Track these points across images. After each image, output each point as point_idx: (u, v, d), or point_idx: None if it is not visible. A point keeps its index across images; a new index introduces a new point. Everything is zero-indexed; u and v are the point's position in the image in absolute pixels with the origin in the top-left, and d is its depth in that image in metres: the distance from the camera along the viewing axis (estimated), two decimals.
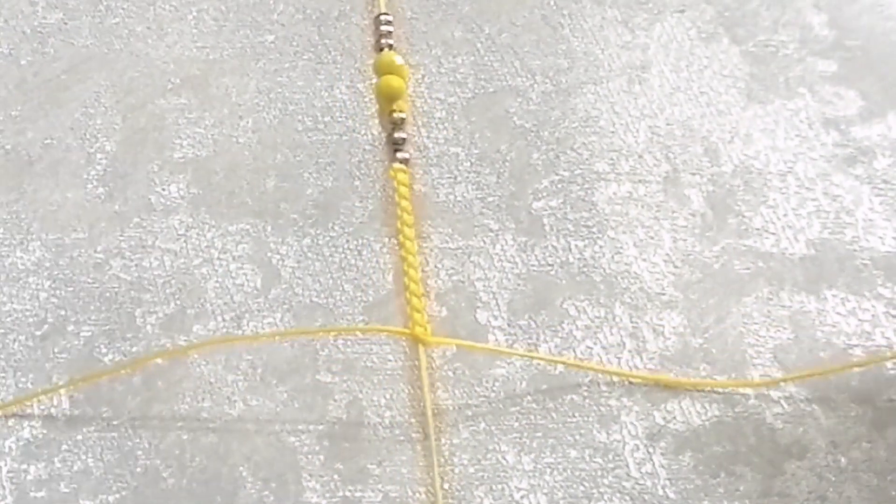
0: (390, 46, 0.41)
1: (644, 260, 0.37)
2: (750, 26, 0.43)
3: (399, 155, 0.39)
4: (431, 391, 0.34)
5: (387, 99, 0.40)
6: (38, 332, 0.36)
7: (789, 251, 0.37)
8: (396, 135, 0.39)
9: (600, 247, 0.37)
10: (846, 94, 0.41)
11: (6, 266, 0.37)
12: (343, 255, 0.37)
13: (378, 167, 0.39)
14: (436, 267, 0.37)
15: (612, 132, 0.40)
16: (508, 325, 0.35)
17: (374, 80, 0.41)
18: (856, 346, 0.35)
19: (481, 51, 0.42)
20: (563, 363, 0.34)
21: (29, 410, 0.34)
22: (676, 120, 0.40)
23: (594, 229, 0.37)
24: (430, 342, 0.35)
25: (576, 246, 0.37)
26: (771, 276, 0.36)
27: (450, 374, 0.35)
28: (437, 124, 0.40)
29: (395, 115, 0.39)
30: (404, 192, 0.38)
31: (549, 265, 0.37)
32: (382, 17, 0.42)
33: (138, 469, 0.33)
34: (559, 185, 0.38)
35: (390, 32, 0.42)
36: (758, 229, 0.37)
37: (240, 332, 0.36)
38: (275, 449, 0.34)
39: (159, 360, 0.35)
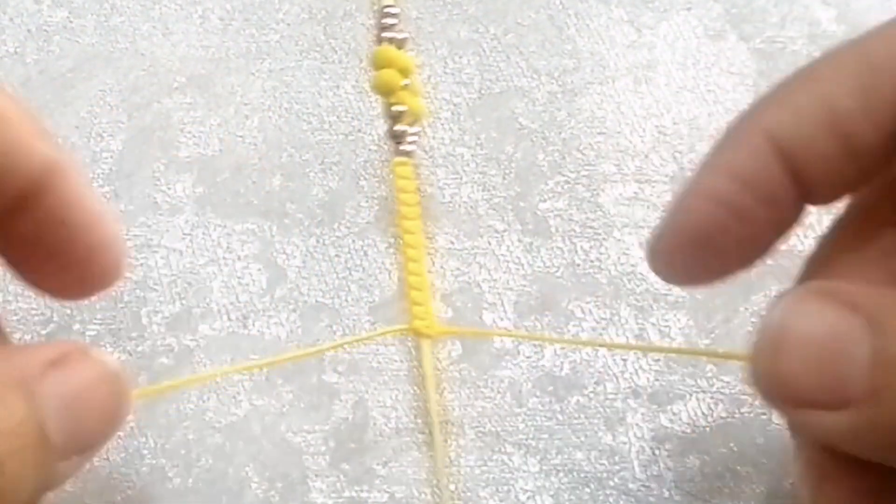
0: (390, 40, 0.41)
1: None
2: (757, 23, 0.43)
3: (401, 148, 0.39)
4: (437, 392, 0.34)
5: (383, 93, 0.40)
6: (44, 331, 0.36)
7: (798, 248, 0.37)
8: (396, 128, 0.39)
9: (606, 248, 0.37)
10: None
11: None
12: (349, 256, 0.37)
13: (384, 167, 0.39)
14: (441, 268, 0.37)
15: (619, 132, 0.40)
16: (514, 326, 0.35)
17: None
18: None
19: (487, 51, 0.42)
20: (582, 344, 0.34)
21: None
22: (683, 119, 0.40)
23: (600, 230, 0.37)
24: (431, 334, 0.35)
25: (581, 247, 0.37)
26: (780, 274, 0.36)
27: (456, 374, 0.35)
28: (442, 125, 0.40)
29: (393, 108, 0.39)
30: (404, 185, 0.37)
31: (555, 266, 0.37)
32: (385, 10, 0.42)
33: (144, 469, 0.33)
34: (565, 186, 0.38)
35: (392, 25, 0.41)
36: None
37: (245, 331, 0.36)
38: (280, 449, 0.34)
39: (164, 360, 0.35)
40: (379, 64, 0.40)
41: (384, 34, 0.41)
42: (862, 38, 0.26)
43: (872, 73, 0.25)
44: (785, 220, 0.27)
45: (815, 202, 0.26)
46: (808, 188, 0.26)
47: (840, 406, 0.23)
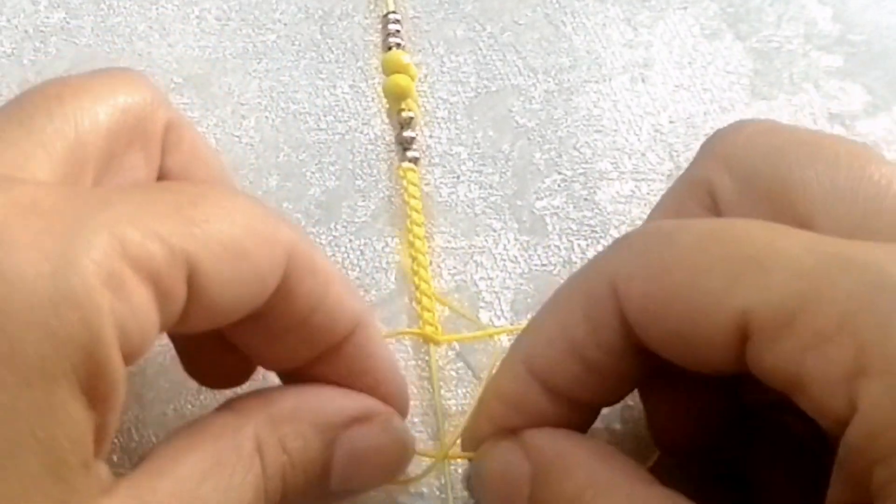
0: (398, 45, 0.41)
1: None
2: (754, 22, 0.43)
3: (409, 154, 0.39)
4: (440, 396, 0.34)
5: (395, 98, 0.40)
6: None
7: None
8: (405, 133, 0.39)
9: (603, 246, 0.37)
10: (851, 88, 0.41)
11: None
12: (345, 255, 0.37)
13: (380, 166, 0.39)
14: (439, 267, 0.37)
15: (615, 131, 0.40)
16: (511, 324, 0.35)
17: (376, 80, 0.41)
18: None
19: (484, 50, 0.42)
20: None
21: None
22: (680, 117, 0.40)
23: (597, 229, 0.37)
24: (441, 341, 0.35)
25: (578, 245, 0.37)
26: None
27: (452, 374, 0.34)
28: (439, 123, 0.40)
29: (403, 114, 0.39)
30: (413, 192, 0.37)
31: (552, 264, 0.37)
32: (391, 16, 0.42)
33: None
34: (561, 185, 0.38)
35: (398, 31, 0.41)
36: None
37: None
38: None
39: (163, 360, 0.35)
40: (389, 69, 0.40)
41: (390, 39, 0.41)
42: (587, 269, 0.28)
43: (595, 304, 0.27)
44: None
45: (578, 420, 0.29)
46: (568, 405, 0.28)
47: None
